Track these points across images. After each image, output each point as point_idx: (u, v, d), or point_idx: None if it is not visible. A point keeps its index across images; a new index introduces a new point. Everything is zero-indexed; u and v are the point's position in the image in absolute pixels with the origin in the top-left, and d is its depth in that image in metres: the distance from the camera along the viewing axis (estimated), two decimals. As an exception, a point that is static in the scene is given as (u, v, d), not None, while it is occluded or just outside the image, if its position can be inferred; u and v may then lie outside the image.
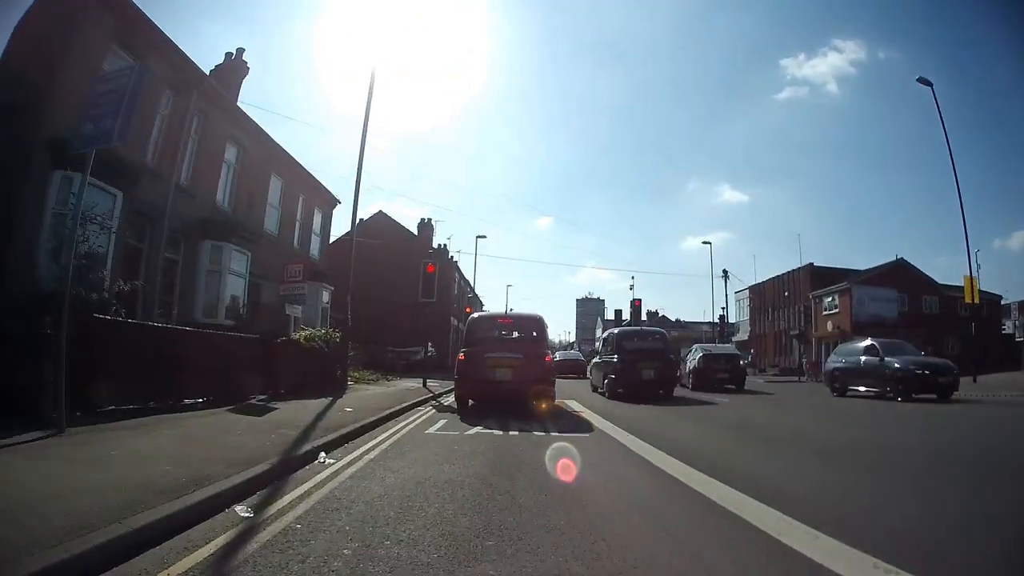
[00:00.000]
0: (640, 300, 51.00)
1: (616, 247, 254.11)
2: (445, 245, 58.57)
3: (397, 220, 56.64)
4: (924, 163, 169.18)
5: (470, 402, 16.11)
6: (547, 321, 18.13)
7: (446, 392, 21.50)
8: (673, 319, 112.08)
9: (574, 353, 61.29)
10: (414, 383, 24.66)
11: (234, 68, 26.02)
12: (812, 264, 67.51)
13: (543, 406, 15.02)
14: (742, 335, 75.90)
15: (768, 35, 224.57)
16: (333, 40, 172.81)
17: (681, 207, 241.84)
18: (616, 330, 24.25)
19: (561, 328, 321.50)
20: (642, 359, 20.99)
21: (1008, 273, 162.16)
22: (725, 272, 68.28)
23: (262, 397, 15.87)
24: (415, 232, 56.61)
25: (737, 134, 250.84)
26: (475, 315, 20.11)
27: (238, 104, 24.82)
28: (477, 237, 60.80)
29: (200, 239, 21.71)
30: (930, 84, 33.03)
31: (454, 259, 58.53)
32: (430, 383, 24.70)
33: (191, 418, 11.35)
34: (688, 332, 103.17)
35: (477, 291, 66.65)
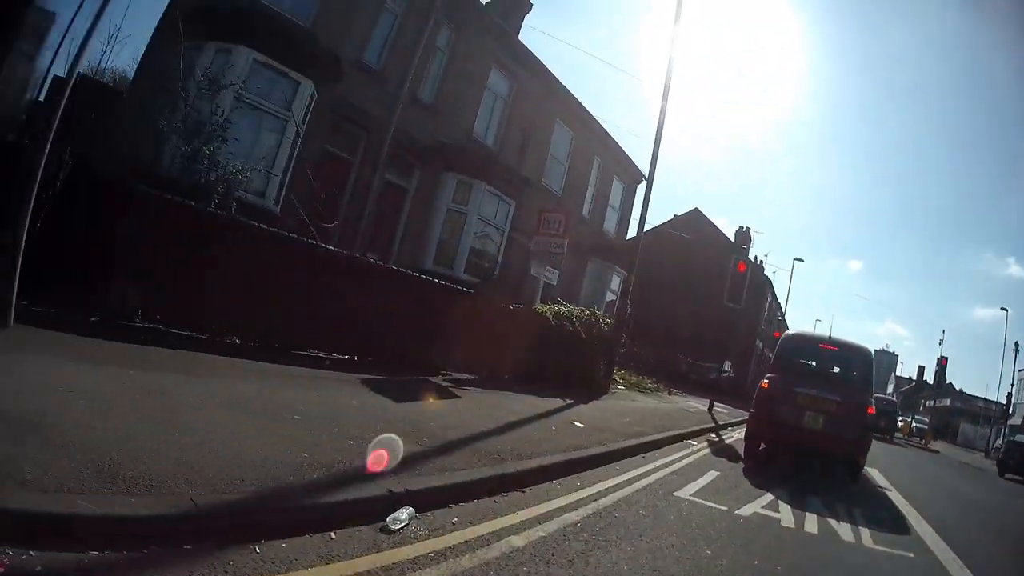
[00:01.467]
0: (947, 359, 43.61)
1: (921, 304, 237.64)
2: (762, 261, 53.36)
3: (713, 222, 52.92)
4: None
5: (761, 446, 12.57)
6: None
7: (733, 425, 18.19)
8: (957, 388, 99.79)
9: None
10: (698, 404, 21.14)
11: (515, 3, 23.27)
12: None
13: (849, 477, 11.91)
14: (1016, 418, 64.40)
15: None
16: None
17: (972, 275, 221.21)
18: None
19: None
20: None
21: None
22: (1017, 345, 59.87)
23: (461, 377, 12.58)
24: (731, 238, 51.32)
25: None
26: (792, 332, 16.57)
27: (518, 39, 21.96)
28: (794, 260, 54.84)
29: (442, 169, 18.56)
30: None
31: (768, 274, 53.62)
32: (717, 408, 20.91)
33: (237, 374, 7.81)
34: (968, 405, 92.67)
35: (787, 318, 61.32)
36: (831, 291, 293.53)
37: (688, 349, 39.69)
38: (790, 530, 7.11)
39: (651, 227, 42.56)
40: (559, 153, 24.61)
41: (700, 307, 41.50)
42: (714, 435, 14.94)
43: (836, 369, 13.37)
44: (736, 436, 15.19)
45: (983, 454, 61.82)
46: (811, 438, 11.45)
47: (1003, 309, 56.42)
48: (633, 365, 24.49)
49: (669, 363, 35.31)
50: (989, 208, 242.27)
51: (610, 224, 29.57)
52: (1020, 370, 64.76)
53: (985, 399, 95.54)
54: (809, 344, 14.57)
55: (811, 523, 7.53)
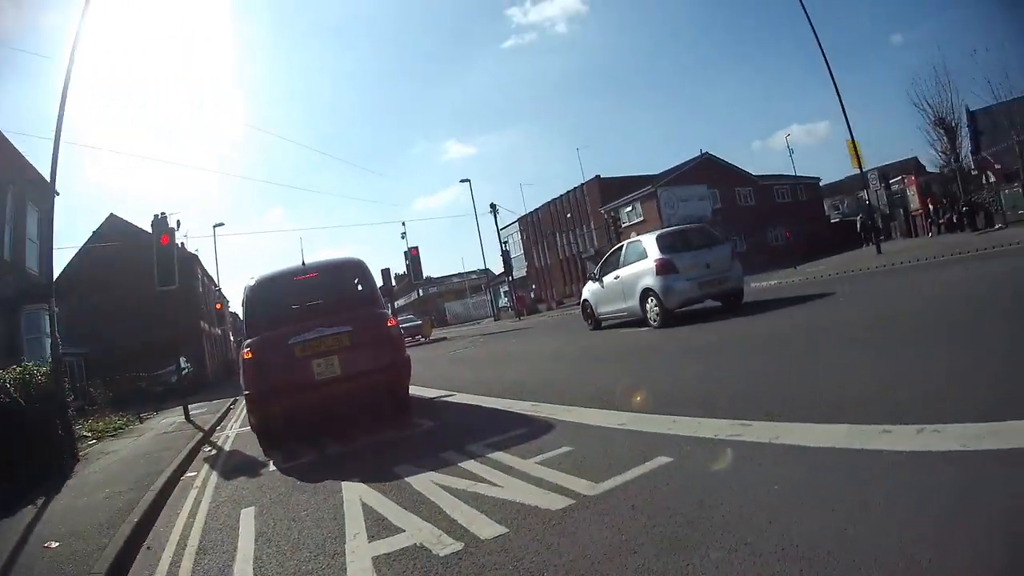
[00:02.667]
0: (417, 248, 44.66)
1: (353, 227, 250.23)
2: (183, 242, 50.91)
3: (131, 222, 48.57)
4: (668, 80, 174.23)
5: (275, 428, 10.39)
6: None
7: (224, 420, 17.39)
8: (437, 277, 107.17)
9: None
10: (173, 418, 18.96)
11: None
12: (599, 176, 65.50)
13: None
14: (518, 271, 72.92)
15: None
16: None
17: (411, 172, 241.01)
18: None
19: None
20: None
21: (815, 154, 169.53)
22: (493, 206, 65.79)
23: None
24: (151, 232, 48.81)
25: (462, 91, 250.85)
26: (254, 280, 11.15)
27: None
28: (215, 226, 55.08)
29: None
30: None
31: (193, 251, 51.73)
32: (194, 411, 18.74)
33: None
34: (444, 286, 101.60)
35: (223, 290, 59.89)
36: (265, 246, 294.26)
37: (148, 363, 37.42)
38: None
39: (77, 247, 39.50)
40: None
41: (146, 314, 38.89)
42: (209, 447, 12.80)
43: (331, 297, 11.04)
44: (237, 432, 13.98)
45: (493, 318, 68.46)
46: (336, 387, 9.51)
47: (464, 181, 59.39)
48: (96, 408, 22.93)
49: (129, 386, 33.03)
50: (425, 99, 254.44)
51: (33, 260, 25.46)
52: (502, 228, 68.32)
53: (460, 274, 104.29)
54: (282, 284, 11.31)
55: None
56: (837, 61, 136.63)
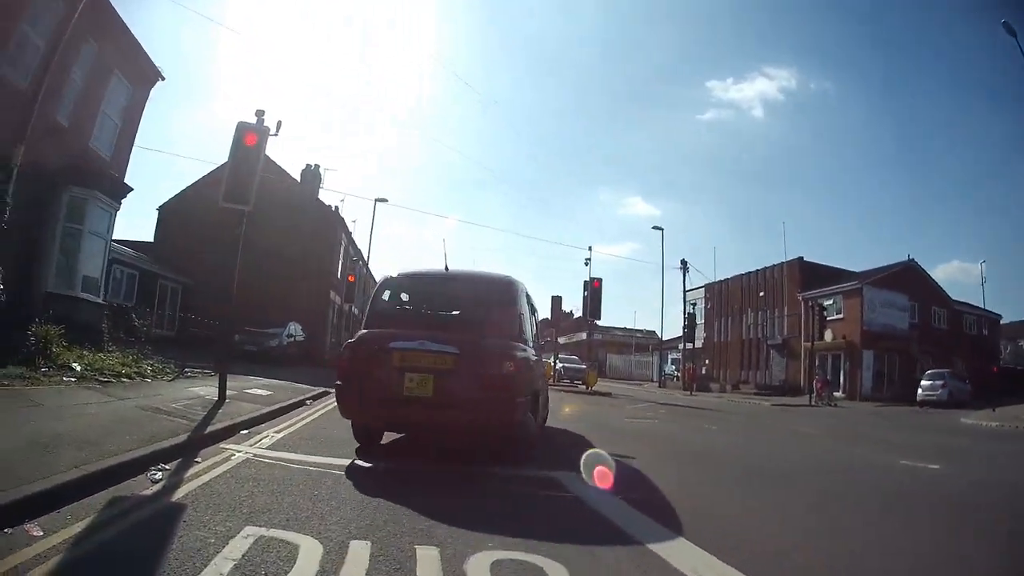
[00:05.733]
0: (600, 281, 38.87)
1: (527, 255, 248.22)
2: (337, 208, 48.80)
3: (278, 163, 45.36)
4: (839, 182, 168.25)
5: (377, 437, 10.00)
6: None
7: (279, 416, 12.85)
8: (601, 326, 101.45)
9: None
10: (210, 389, 13.44)
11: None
12: (802, 258, 60.10)
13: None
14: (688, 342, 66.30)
15: (696, 56, 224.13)
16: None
17: (592, 217, 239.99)
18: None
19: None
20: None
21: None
22: (684, 263, 61.25)
23: None
24: (297, 179, 46.80)
25: (655, 149, 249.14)
26: (396, 273, 10.82)
27: None
28: (376, 200, 51.29)
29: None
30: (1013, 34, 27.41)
31: (337, 209, 48.32)
32: (255, 391, 15.15)
33: None
34: (609, 336, 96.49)
35: (371, 268, 56.80)
36: (431, 243, 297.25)
37: (260, 317, 32.64)
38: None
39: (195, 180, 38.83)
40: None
41: (273, 265, 36.14)
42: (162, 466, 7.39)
43: (458, 312, 10.22)
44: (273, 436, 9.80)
45: (657, 384, 63.85)
46: (422, 410, 8.47)
47: (656, 228, 55.68)
48: (135, 340, 19.61)
49: (221, 336, 28.48)
50: (622, 153, 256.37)
51: (105, 142, 21.63)
52: (690, 290, 65.10)
53: (625, 328, 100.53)
54: (419, 284, 10.91)
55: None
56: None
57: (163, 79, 23.69)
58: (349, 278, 39.69)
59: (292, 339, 32.93)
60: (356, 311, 55.70)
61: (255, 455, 8.50)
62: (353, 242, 53.15)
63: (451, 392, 8.45)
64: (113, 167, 21.21)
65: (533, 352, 10.56)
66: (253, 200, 12.56)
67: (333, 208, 47.13)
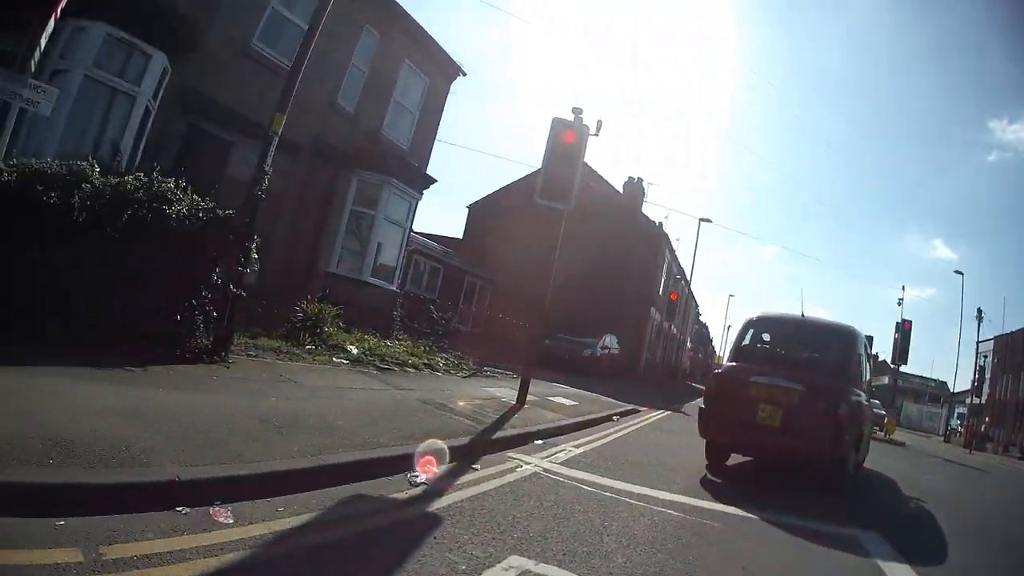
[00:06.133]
0: (911, 323, 35.63)
1: (832, 288, 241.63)
2: (661, 223, 46.46)
3: (606, 179, 45.51)
4: None
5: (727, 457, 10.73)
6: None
7: (585, 429, 11.84)
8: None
9: None
10: (510, 391, 12.72)
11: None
12: None
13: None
14: (977, 396, 60.96)
15: (973, 96, 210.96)
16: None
17: (896, 257, 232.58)
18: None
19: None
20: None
21: None
22: (980, 311, 57.11)
23: None
24: (620, 190, 45.45)
25: (950, 193, 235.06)
26: (757, 314, 12.44)
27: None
28: (700, 220, 47.64)
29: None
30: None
31: (661, 225, 45.92)
32: (561, 400, 14.26)
33: None
34: (907, 383, 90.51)
35: (693, 288, 53.78)
36: (746, 271, 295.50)
37: (578, 326, 31.89)
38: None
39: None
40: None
41: (594, 276, 35.57)
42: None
43: (807, 354, 11.54)
44: (538, 466, 7.76)
45: (942, 438, 59.16)
46: (769, 438, 9.49)
47: (957, 272, 51.00)
48: (473, 339, 20.84)
49: (532, 339, 27.90)
50: (914, 190, 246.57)
51: (403, 131, 21.63)
52: (982, 341, 60.49)
53: (922, 377, 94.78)
54: (775, 325, 12.41)
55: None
56: None
57: (464, 75, 23.70)
58: (672, 296, 38.59)
59: (607, 351, 31.79)
60: (675, 330, 54.29)
61: (544, 470, 7.45)
62: (676, 259, 51.90)
63: (795, 423, 9.32)
64: (412, 156, 21.22)
65: (865, 396, 11.22)
66: (573, 200, 12.12)
67: (657, 224, 45.86)
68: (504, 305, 33.81)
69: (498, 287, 37.61)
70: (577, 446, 9.75)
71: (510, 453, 8.04)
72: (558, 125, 12.16)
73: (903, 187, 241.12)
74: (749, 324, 11.80)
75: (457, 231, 43.31)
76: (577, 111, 12.10)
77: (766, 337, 11.92)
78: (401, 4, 20.38)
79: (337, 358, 12.07)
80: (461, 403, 10.24)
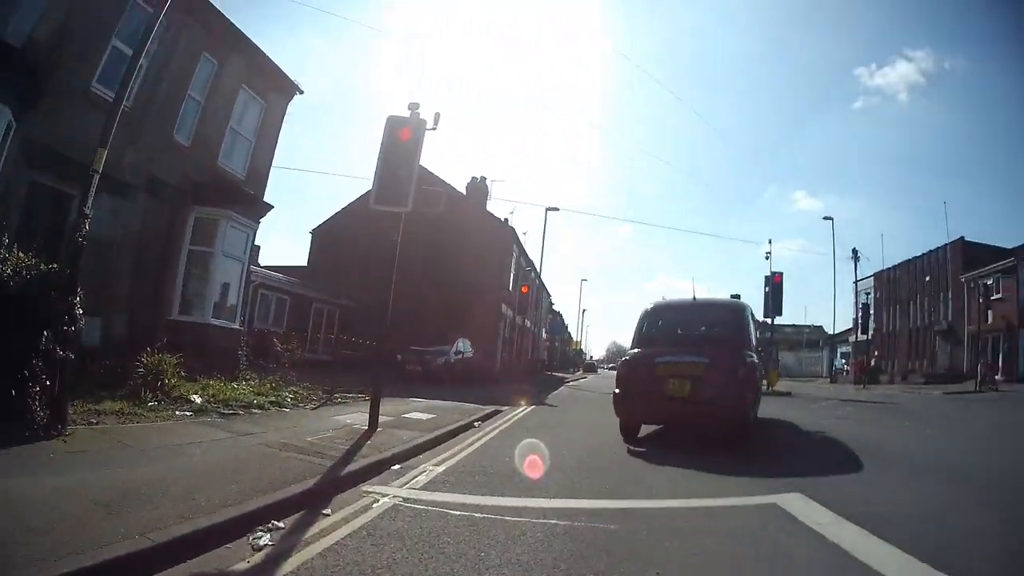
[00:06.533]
0: (781, 275, 36.84)
1: (696, 256, 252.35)
2: (506, 220, 47.12)
3: (440, 176, 44.27)
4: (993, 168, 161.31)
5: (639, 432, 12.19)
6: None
7: (443, 444, 11.04)
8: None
9: None
10: (361, 416, 12.19)
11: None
12: (963, 239, 56.06)
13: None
14: (863, 333, 63.25)
15: (842, 46, 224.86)
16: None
17: (759, 216, 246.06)
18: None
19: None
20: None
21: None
22: (855, 251, 58.13)
23: None
24: (463, 192, 45.40)
25: (814, 143, 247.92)
26: (654, 303, 14.38)
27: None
28: (547, 209, 49.20)
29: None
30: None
31: (507, 221, 46.64)
32: (416, 415, 13.81)
33: None
34: (784, 335, 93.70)
35: (545, 280, 55.56)
36: (600, 254, 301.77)
37: (428, 336, 31.60)
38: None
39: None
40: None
41: (440, 280, 36.57)
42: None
43: (704, 330, 13.40)
44: (398, 495, 6.95)
45: (828, 379, 61.48)
46: (680, 407, 11.08)
47: (827, 218, 52.67)
48: (325, 367, 20.05)
49: (384, 357, 27.18)
50: (776, 148, 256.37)
51: (238, 159, 20.43)
52: (861, 279, 64.93)
53: (794, 325, 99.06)
54: (671, 310, 14.25)
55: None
56: None
57: (301, 92, 22.74)
58: (522, 289, 38.16)
59: (461, 356, 31.33)
60: (529, 324, 53.83)
61: (405, 499, 6.71)
62: (524, 253, 51.76)
63: (703, 391, 10.86)
64: (249, 185, 20.17)
65: (756, 357, 12.62)
66: (410, 202, 11.29)
67: (503, 220, 46.06)
68: (356, 327, 33.00)
69: (348, 310, 36.59)
70: (438, 463, 8.99)
71: (365, 487, 7.27)
72: (393, 123, 11.37)
73: (766, 146, 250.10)
74: (647, 314, 13.43)
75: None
76: (414, 106, 11.31)
77: (663, 322, 13.37)
78: (237, 25, 19.35)
79: (180, 411, 10.97)
80: (309, 439, 9.38)
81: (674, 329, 13.14)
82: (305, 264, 41.44)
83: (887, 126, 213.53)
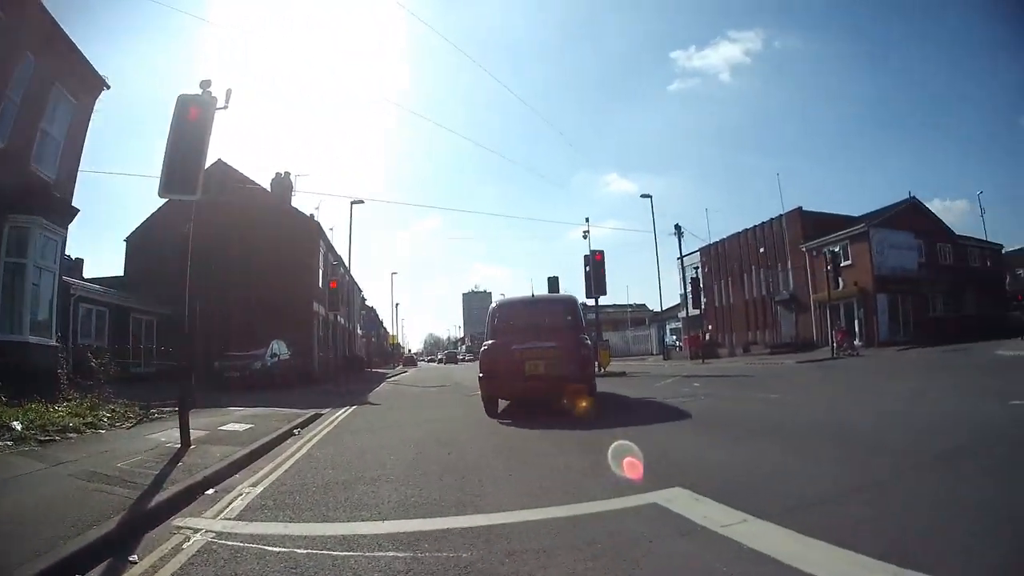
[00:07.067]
0: (602, 253, 35.79)
1: (509, 244, 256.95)
2: (312, 214, 47.29)
3: (245, 174, 44.37)
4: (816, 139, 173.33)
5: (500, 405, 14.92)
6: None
7: (262, 457, 10.24)
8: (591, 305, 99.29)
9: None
10: (173, 432, 10.91)
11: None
12: (800, 209, 57.73)
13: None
14: (693, 308, 61.67)
15: (658, 31, 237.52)
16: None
17: (570, 200, 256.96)
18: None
19: (452, 324, 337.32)
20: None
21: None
22: (678, 227, 57.47)
23: None
24: (267, 188, 44.52)
25: (627, 126, 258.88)
26: (499, 301, 18.42)
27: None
28: (352, 202, 47.74)
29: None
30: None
31: (313, 216, 46.85)
32: (232, 427, 13.10)
33: None
34: (607, 315, 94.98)
35: (354, 273, 55.70)
36: (410, 247, 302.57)
37: (247, 340, 30.98)
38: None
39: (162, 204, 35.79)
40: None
41: (250, 282, 36.66)
42: None
43: (547, 320, 15.92)
44: (212, 530, 6.10)
45: (660, 357, 62.21)
46: (539, 382, 13.94)
47: (645, 196, 52.27)
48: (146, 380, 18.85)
49: (206, 365, 26.37)
50: (588, 134, 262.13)
51: (49, 163, 19.37)
52: (686, 255, 65.61)
53: (616, 305, 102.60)
54: (517, 306, 16.86)
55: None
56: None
57: (108, 87, 21.51)
58: (331, 284, 36.98)
59: (277, 358, 30.27)
60: (343, 320, 52.71)
61: (218, 534, 5.85)
62: (332, 248, 50.83)
63: (555, 369, 13.74)
64: (57, 188, 18.85)
65: (588, 339, 15.40)
66: (200, 189, 10.08)
67: (309, 215, 45.31)
68: (176, 337, 31.61)
69: (168, 319, 34.58)
70: (256, 483, 8.08)
71: (178, 519, 6.37)
72: (182, 102, 10.25)
73: (579, 134, 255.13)
74: (495, 310, 16.38)
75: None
76: (205, 84, 10.27)
77: (510, 316, 15.86)
78: (53, 16, 18.23)
79: (1, 440, 9.81)
80: (120, 464, 8.41)
81: (520, 321, 15.49)
82: (122, 274, 39.21)
83: (706, 105, 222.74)
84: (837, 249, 49.75)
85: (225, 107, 10.56)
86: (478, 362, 16.33)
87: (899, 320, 49.32)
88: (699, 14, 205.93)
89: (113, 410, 13.82)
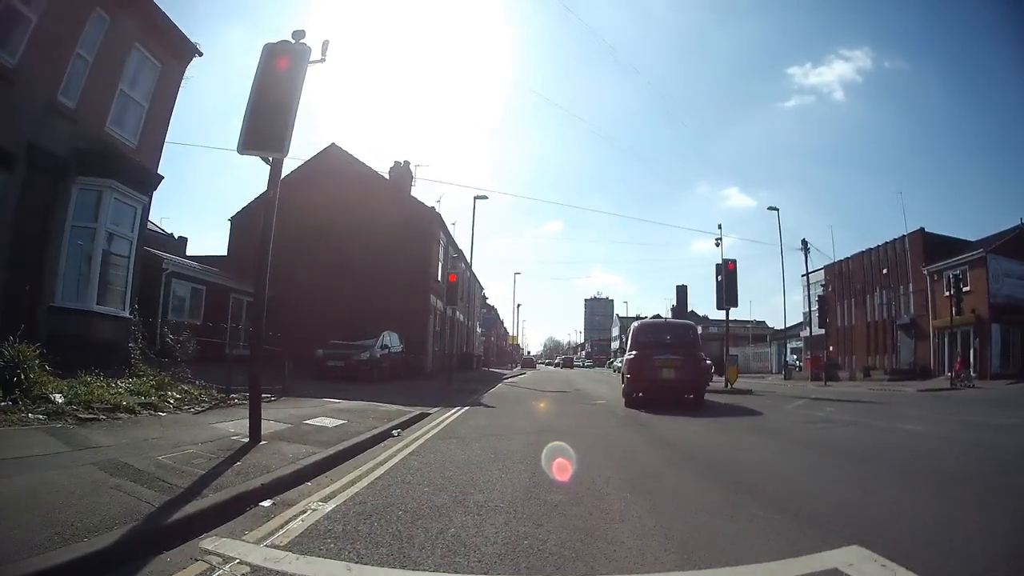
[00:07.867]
0: (735, 263, 33.50)
1: (625, 252, 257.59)
2: (434, 207, 44.20)
3: (361, 160, 42.47)
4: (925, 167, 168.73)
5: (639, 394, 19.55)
6: (575, 325, 21.21)
7: (353, 459, 8.63)
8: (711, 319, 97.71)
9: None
10: (238, 426, 9.22)
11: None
12: (923, 230, 53.92)
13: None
14: (816, 328, 60.76)
15: (774, 46, 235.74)
16: None
17: (690, 213, 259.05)
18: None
19: (572, 328, 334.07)
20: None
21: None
22: (805, 243, 54.95)
23: None
24: (386, 176, 42.57)
25: (747, 141, 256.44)
26: (640, 321, 24.79)
27: None
28: (476, 198, 44.09)
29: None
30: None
31: (435, 208, 43.99)
32: (321, 423, 11.28)
33: None
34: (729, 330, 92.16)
35: (477, 273, 53.84)
36: (531, 251, 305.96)
37: (357, 329, 29.32)
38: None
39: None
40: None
41: (365, 270, 35.04)
42: None
43: (675, 339, 20.96)
44: (248, 563, 4.28)
45: (780, 376, 58.24)
46: (670, 384, 18.84)
47: (772, 208, 49.64)
48: (241, 361, 14.74)
49: (304, 353, 24.83)
50: (707, 148, 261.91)
51: (129, 126, 18.11)
52: (807, 273, 60.83)
53: (736, 320, 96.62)
54: (653, 326, 23.29)
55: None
56: None
57: (200, 55, 20.57)
58: (451, 278, 35.46)
59: (387, 351, 28.85)
60: (462, 317, 51.25)
61: (255, 568, 4.17)
62: (453, 242, 49.41)
63: (681, 375, 18.71)
64: (140, 154, 17.85)
65: (704, 355, 20.06)
66: (287, 146, 8.91)
67: (430, 206, 43.31)
68: (279, 319, 30.70)
69: (270, 301, 33.51)
70: (328, 496, 6.34)
71: (206, 542, 4.68)
72: (271, 51, 9.20)
73: (699, 147, 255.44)
74: (637, 329, 21.46)
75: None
76: (298, 34, 9.12)
77: (649, 334, 21.04)
78: None
79: (34, 413, 8.82)
80: (161, 457, 6.84)
81: (656, 338, 20.61)
82: (225, 254, 38.38)
83: (820, 124, 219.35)
84: (958, 273, 47.01)
85: (322, 60, 9.44)
86: (623, 367, 21.81)
87: (1008, 353, 45.74)
88: (808, 32, 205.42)
89: (185, 391, 12.63)
